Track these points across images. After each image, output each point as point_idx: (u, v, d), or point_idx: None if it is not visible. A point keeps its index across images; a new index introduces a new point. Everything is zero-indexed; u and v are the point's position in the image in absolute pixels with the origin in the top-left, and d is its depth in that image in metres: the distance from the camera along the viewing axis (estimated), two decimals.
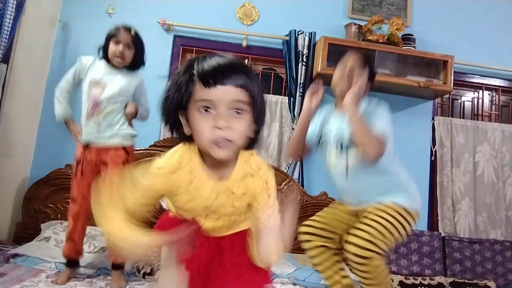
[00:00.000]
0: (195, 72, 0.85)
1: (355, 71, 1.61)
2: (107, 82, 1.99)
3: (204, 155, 0.93)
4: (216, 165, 0.93)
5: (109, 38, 2.01)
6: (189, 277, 0.97)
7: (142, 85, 2.11)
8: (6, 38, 2.18)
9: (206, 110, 0.85)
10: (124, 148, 2.00)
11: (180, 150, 0.95)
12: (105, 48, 2.03)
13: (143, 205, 0.94)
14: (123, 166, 1.97)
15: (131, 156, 2.05)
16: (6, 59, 2.29)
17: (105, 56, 2.04)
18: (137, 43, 2.05)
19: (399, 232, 1.55)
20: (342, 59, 1.69)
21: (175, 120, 0.90)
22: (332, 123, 1.70)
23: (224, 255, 1.02)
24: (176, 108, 0.88)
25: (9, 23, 2.18)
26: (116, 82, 2.01)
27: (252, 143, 0.94)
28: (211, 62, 0.85)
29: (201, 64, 0.86)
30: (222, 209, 0.97)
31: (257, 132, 0.93)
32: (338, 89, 1.67)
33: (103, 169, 1.95)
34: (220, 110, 0.84)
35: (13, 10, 2.20)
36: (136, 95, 2.08)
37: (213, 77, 0.83)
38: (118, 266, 1.98)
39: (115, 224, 0.90)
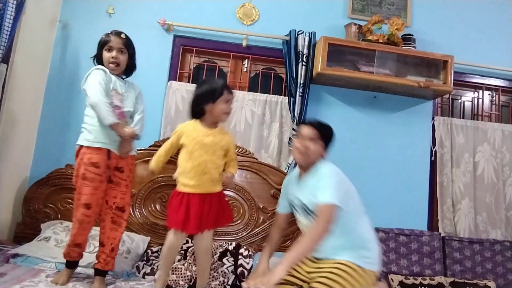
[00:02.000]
0: (224, 86, 1.92)
1: (310, 142, 1.74)
2: (124, 93, 2.04)
3: (202, 122, 1.94)
4: (210, 126, 1.93)
5: (101, 46, 2.04)
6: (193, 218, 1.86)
7: (140, 94, 2.16)
8: (6, 38, 2.18)
9: (226, 102, 1.92)
10: (133, 156, 2.12)
11: (185, 124, 1.96)
12: (98, 57, 2.05)
13: (170, 148, 1.96)
14: (133, 174, 2.14)
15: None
16: (6, 59, 2.29)
17: (101, 65, 2.06)
18: (128, 47, 2.07)
19: (351, 285, 1.58)
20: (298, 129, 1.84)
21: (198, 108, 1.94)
22: (293, 195, 1.82)
23: (210, 205, 1.92)
24: (206, 101, 1.91)
25: (9, 23, 2.18)
26: (130, 97, 2.06)
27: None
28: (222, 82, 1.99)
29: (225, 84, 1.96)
30: (209, 144, 1.90)
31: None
32: (298, 161, 1.82)
33: (117, 175, 2.02)
34: (231, 104, 1.95)
35: (13, 10, 2.20)
36: (136, 102, 2.11)
37: (228, 90, 1.93)
38: (101, 272, 1.99)
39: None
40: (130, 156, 2.06)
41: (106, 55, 2.02)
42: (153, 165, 1.97)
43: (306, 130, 1.75)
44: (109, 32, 2.05)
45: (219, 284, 2.12)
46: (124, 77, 2.12)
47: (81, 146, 1.95)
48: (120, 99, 2.00)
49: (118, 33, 2.05)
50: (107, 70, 2.02)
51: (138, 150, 2.61)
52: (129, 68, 2.11)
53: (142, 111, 2.10)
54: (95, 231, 2.27)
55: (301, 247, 1.54)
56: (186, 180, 1.89)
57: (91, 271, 2.07)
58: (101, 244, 2.02)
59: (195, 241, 2.00)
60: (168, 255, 1.97)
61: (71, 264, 2.02)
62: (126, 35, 2.07)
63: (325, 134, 1.77)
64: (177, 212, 1.87)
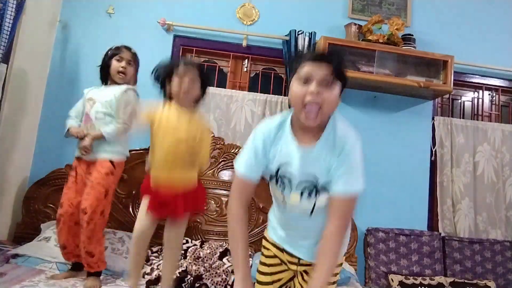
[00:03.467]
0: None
1: (326, 90, 1.12)
2: (97, 97, 2.13)
3: (174, 103, 1.85)
4: (182, 107, 1.83)
5: (111, 56, 2.16)
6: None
7: (129, 92, 2.13)
8: (6, 38, 2.18)
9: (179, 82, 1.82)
10: (111, 162, 2.07)
11: (162, 106, 1.87)
12: (105, 66, 2.17)
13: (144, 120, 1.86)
14: (106, 177, 2.03)
15: (118, 170, 2.11)
16: (6, 59, 2.29)
17: (105, 75, 2.18)
18: (136, 61, 2.22)
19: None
20: (303, 68, 1.14)
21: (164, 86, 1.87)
22: (294, 165, 1.20)
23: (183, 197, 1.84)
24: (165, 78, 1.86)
25: (9, 23, 2.18)
26: (102, 96, 2.12)
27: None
28: None
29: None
30: (182, 130, 1.80)
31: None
32: (309, 124, 1.15)
33: (88, 177, 2.04)
34: (185, 80, 1.83)
35: (13, 10, 2.20)
36: (120, 103, 2.10)
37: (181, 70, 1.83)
38: (89, 273, 2.01)
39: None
40: (104, 161, 2.04)
41: (115, 64, 2.14)
42: None
43: (321, 71, 1.11)
44: (119, 46, 2.20)
45: (221, 281, 2.13)
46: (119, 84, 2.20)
47: None
48: (91, 104, 2.11)
49: (128, 47, 2.21)
50: (90, 88, 2.20)
51: (137, 150, 2.62)
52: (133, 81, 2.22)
53: (120, 121, 2.08)
54: None
55: (332, 259, 1.15)
56: (156, 172, 1.83)
57: None
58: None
59: (165, 230, 1.90)
60: (137, 245, 1.87)
61: (75, 266, 2.09)
62: (135, 51, 2.23)
63: (341, 67, 1.16)
64: (148, 191, 1.88)
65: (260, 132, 1.25)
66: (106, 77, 2.19)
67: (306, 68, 1.12)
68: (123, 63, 2.15)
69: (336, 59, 1.14)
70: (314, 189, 1.21)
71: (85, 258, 1.98)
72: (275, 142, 1.23)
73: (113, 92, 2.12)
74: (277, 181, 1.25)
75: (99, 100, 2.11)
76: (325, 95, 1.11)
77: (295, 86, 1.15)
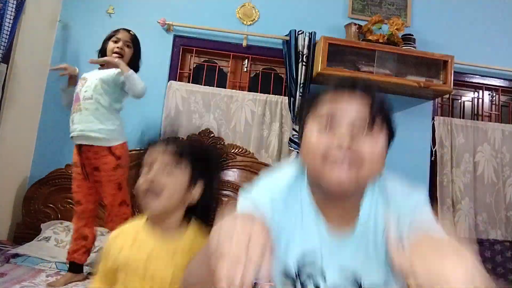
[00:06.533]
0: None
1: (368, 141, 0.74)
2: (87, 78, 2.02)
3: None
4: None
5: (107, 39, 2.07)
6: None
7: (122, 72, 1.94)
8: (6, 38, 2.18)
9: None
10: (111, 152, 1.94)
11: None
12: (103, 50, 2.07)
13: None
14: (115, 172, 1.95)
15: (124, 159, 1.99)
16: (6, 59, 2.29)
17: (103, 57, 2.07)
18: (135, 44, 2.10)
19: None
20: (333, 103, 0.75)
21: None
22: (329, 258, 0.78)
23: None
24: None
25: (9, 23, 2.18)
26: (97, 75, 2.00)
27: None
28: None
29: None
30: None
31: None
32: (342, 188, 0.72)
33: (96, 174, 1.96)
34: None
35: (13, 10, 2.20)
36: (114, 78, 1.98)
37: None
38: None
39: None
40: (104, 154, 1.92)
41: (110, 45, 2.04)
42: None
43: (357, 106, 0.75)
44: (118, 28, 2.11)
45: None
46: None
47: None
48: (82, 83, 2.00)
49: (126, 29, 2.11)
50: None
51: (137, 150, 2.62)
52: (131, 66, 2.02)
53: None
54: (96, 231, 2.26)
55: None
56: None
57: (92, 271, 2.07)
58: None
59: None
60: None
61: (75, 267, 1.97)
62: (135, 33, 2.13)
63: (385, 105, 0.83)
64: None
65: (268, 188, 0.78)
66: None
67: (329, 105, 0.71)
68: (119, 44, 2.02)
69: (376, 92, 0.77)
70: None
71: None
72: (284, 213, 0.76)
73: (109, 70, 1.97)
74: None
75: (92, 79, 1.98)
76: (363, 146, 0.70)
77: (311, 133, 0.72)
